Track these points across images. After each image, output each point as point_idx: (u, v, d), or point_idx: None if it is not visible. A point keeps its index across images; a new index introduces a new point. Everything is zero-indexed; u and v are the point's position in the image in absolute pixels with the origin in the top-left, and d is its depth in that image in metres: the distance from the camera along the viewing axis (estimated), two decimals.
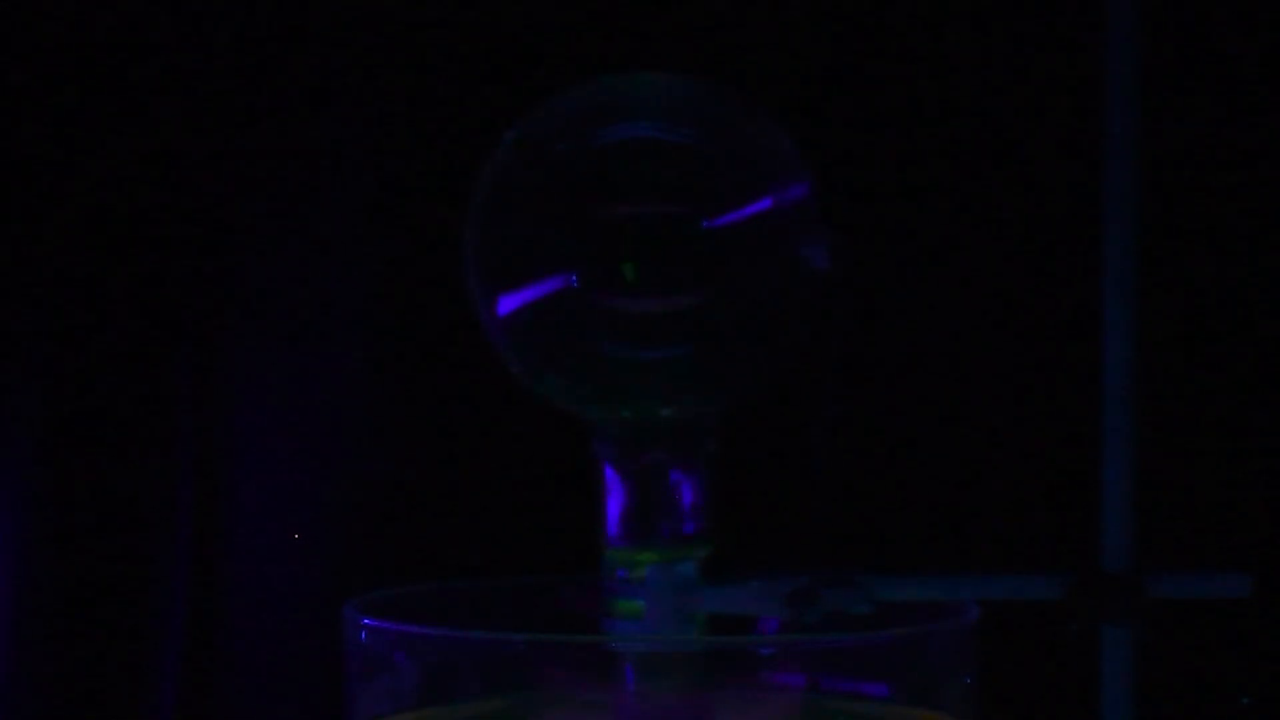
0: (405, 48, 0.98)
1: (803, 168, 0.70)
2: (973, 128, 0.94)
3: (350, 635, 0.69)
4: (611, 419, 0.70)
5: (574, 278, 0.67)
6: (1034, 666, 0.90)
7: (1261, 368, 0.93)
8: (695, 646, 0.69)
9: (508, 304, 0.69)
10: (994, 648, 0.70)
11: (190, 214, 0.99)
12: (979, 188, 0.95)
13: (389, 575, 0.75)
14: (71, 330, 0.98)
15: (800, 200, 0.70)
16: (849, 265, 0.92)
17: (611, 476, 0.70)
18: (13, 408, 0.98)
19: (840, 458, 0.96)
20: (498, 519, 0.97)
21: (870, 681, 0.68)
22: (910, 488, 0.95)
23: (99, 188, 0.98)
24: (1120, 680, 0.76)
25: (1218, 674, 0.92)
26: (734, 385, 0.70)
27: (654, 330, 0.67)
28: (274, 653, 0.99)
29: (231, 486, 1.00)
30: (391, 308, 0.99)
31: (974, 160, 0.95)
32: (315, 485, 1.00)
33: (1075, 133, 0.90)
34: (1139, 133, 0.75)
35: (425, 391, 0.98)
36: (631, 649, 0.69)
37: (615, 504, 0.70)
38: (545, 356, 0.69)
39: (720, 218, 0.68)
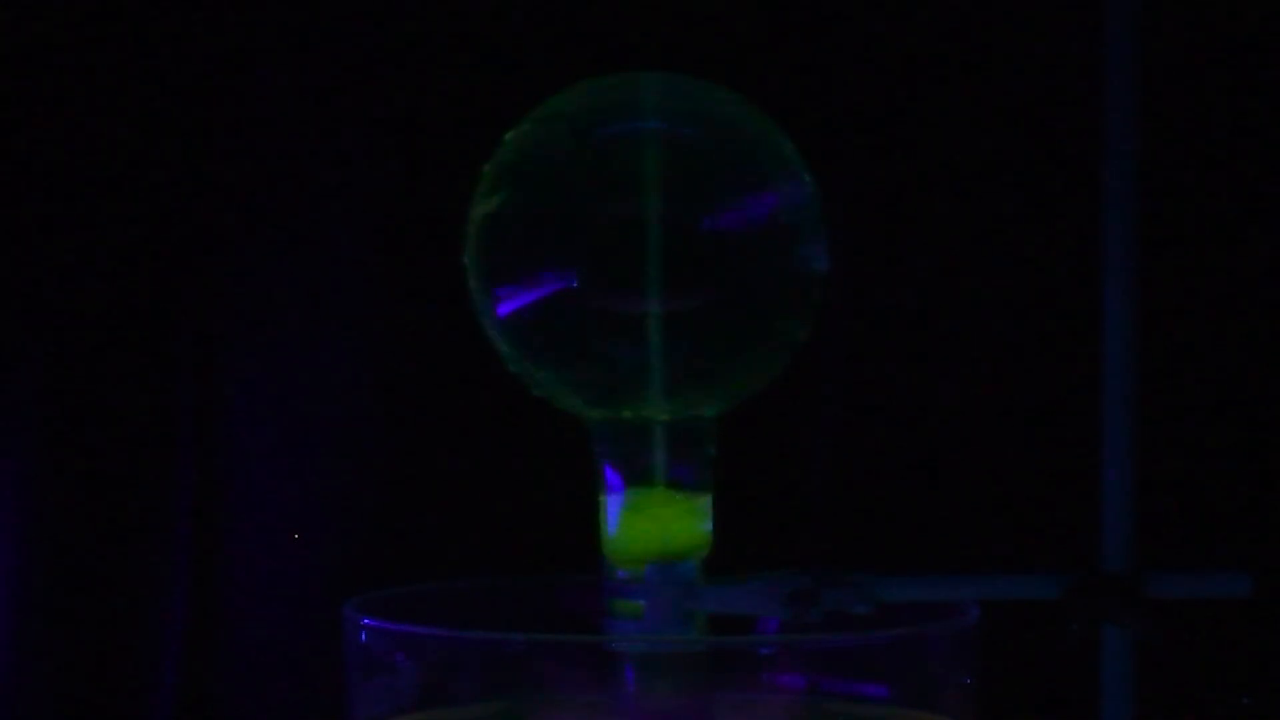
0: (406, 48, 0.98)
1: (803, 168, 0.70)
2: (973, 128, 0.95)
3: (350, 635, 0.69)
4: (611, 419, 0.70)
5: (574, 278, 0.67)
6: (1034, 666, 0.90)
7: (1261, 368, 0.93)
8: (695, 646, 0.69)
9: (508, 304, 0.69)
10: (994, 648, 0.70)
11: (191, 215, 0.99)
12: (979, 188, 0.95)
13: (389, 575, 0.75)
14: (72, 331, 0.98)
15: (800, 200, 0.70)
16: (849, 265, 0.92)
17: (612, 476, 0.70)
18: (13, 408, 0.98)
19: (840, 458, 0.96)
20: (498, 519, 0.97)
21: (870, 682, 0.68)
22: (910, 488, 0.95)
23: (100, 189, 0.98)
24: (1120, 680, 0.76)
25: (1218, 674, 0.92)
26: (734, 385, 0.70)
27: (654, 330, 0.68)
28: (274, 653, 0.99)
29: (231, 486, 1.00)
30: (392, 308, 0.99)
31: (974, 160, 0.95)
32: (315, 485, 1.00)
33: (1075, 133, 0.90)
34: (1139, 133, 0.75)
35: (425, 391, 0.98)
36: (631, 649, 0.69)
37: (615, 504, 0.70)
38: (545, 357, 0.69)
39: (720, 218, 0.68)
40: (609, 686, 0.68)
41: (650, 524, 0.70)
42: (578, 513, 0.72)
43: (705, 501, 0.70)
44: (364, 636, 0.69)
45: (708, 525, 0.70)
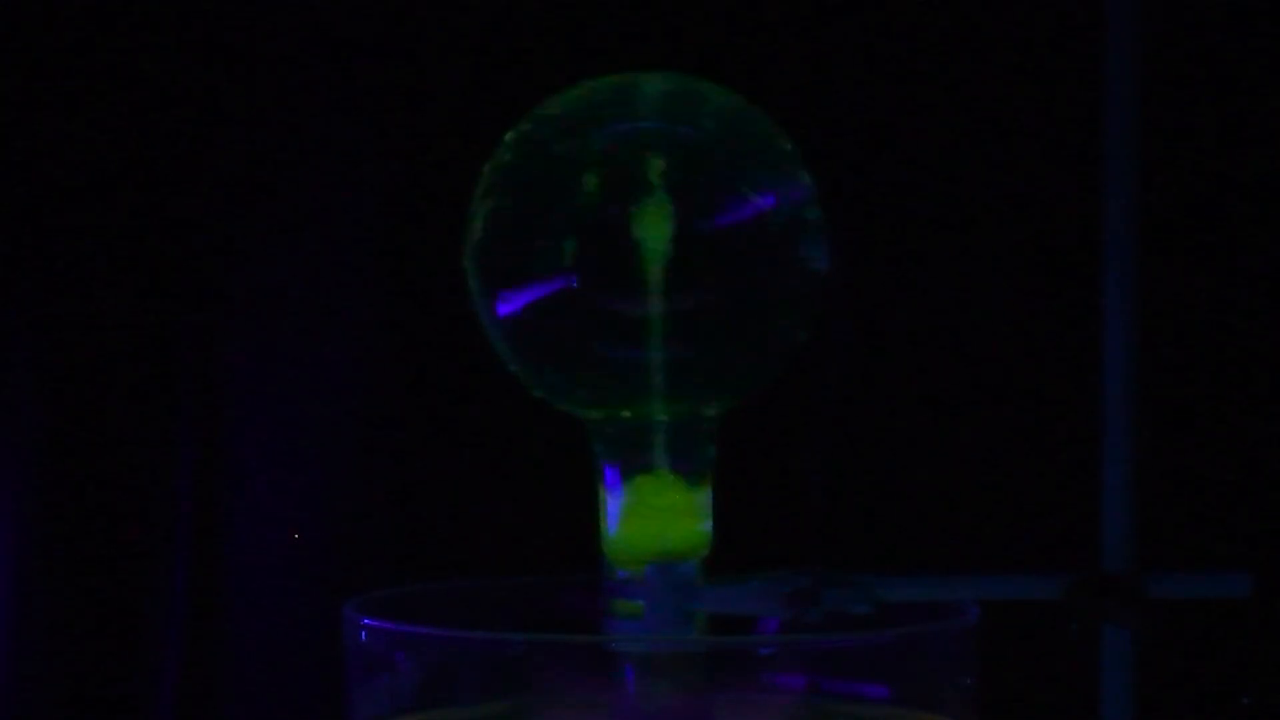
0: (406, 48, 0.98)
1: (803, 168, 0.70)
2: (973, 128, 0.95)
3: (350, 635, 0.69)
4: (611, 419, 0.70)
5: (574, 278, 0.67)
6: (1034, 666, 0.90)
7: (1261, 368, 0.93)
8: (695, 646, 0.69)
9: (508, 304, 0.69)
10: (994, 648, 0.70)
11: (191, 214, 0.99)
12: (979, 188, 0.95)
13: (389, 575, 0.75)
14: (72, 330, 0.98)
15: (800, 200, 0.70)
16: (849, 265, 0.92)
17: (611, 476, 0.70)
18: (13, 408, 0.98)
19: (841, 458, 0.96)
20: (498, 519, 0.97)
21: (870, 683, 0.68)
22: (910, 488, 0.95)
23: (101, 188, 0.98)
24: (1120, 680, 0.76)
25: (1218, 674, 0.92)
26: (734, 385, 0.70)
27: (654, 330, 0.68)
28: (274, 653, 0.99)
29: (232, 486, 1.00)
30: (392, 308, 0.99)
31: (974, 160, 0.95)
32: (315, 485, 1.00)
33: (1075, 133, 0.90)
34: (1139, 133, 0.75)
35: (425, 391, 0.98)
36: (631, 649, 0.69)
37: (615, 504, 0.70)
38: (545, 356, 0.69)
39: (720, 218, 0.68)
40: (609, 686, 0.68)
41: (650, 524, 0.69)
42: (578, 513, 0.72)
43: (705, 500, 0.70)
44: (364, 636, 0.69)
45: (708, 525, 0.70)
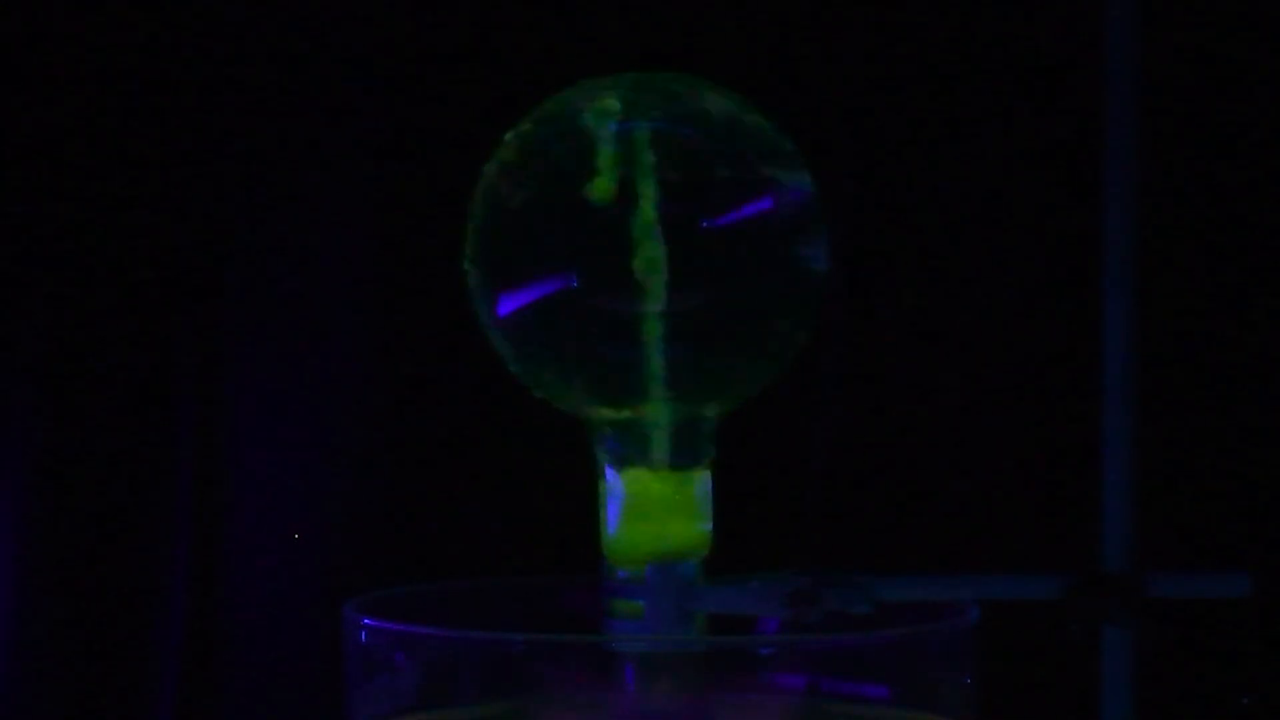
0: (405, 48, 0.98)
1: (803, 168, 0.70)
2: (973, 127, 0.95)
3: (350, 635, 0.69)
4: (611, 419, 0.70)
5: (574, 278, 0.67)
6: (1034, 666, 0.90)
7: (1261, 368, 0.93)
8: (695, 646, 0.69)
9: (508, 304, 0.69)
10: (994, 648, 0.70)
11: (192, 213, 0.99)
12: (980, 188, 0.95)
13: (389, 575, 0.75)
14: (72, 331, 0.98)
15: (800, 200, 0.70)
16: (849, 265, 0.92)
17: (612, 477, 0.70)
18: (13, 407, 0.98)
19: (840, 458, 0.96)
20: (498, 519, 0.97)
21: (870, 682, 0.68)
22: (910, 488, 0.95)
23: (101, 187, 0.98)
24: (1120, 680, 0.76)
25: (1218, 674, 0.92)
26: (734, 386, 0.70)
27: (654, 330, 0.68)
28: (274, 653, 0.99)
29: (231, 486, 1.00)
30: (392, 308, 0.99)
31: (974, 159, 0.95)
32: (315, 485, 1.00)
33: (1076, 132, 0.90)
34: (1139, 131, 0.75)
35: (425, 392, 0.98)
36: (631, 649, 0.69)
37: (615, 504, 0.70)
38: (545, 356, 0.69)
39: (720, 218, 0.68)
40: (609, 686, 0.68)
41: (650, 524, 0.69)
42: (578, 513, 0.72)
43: (705, 500, 0.70)
44: (364, 636, 0.69)
45: (708, 525, 0.70)
